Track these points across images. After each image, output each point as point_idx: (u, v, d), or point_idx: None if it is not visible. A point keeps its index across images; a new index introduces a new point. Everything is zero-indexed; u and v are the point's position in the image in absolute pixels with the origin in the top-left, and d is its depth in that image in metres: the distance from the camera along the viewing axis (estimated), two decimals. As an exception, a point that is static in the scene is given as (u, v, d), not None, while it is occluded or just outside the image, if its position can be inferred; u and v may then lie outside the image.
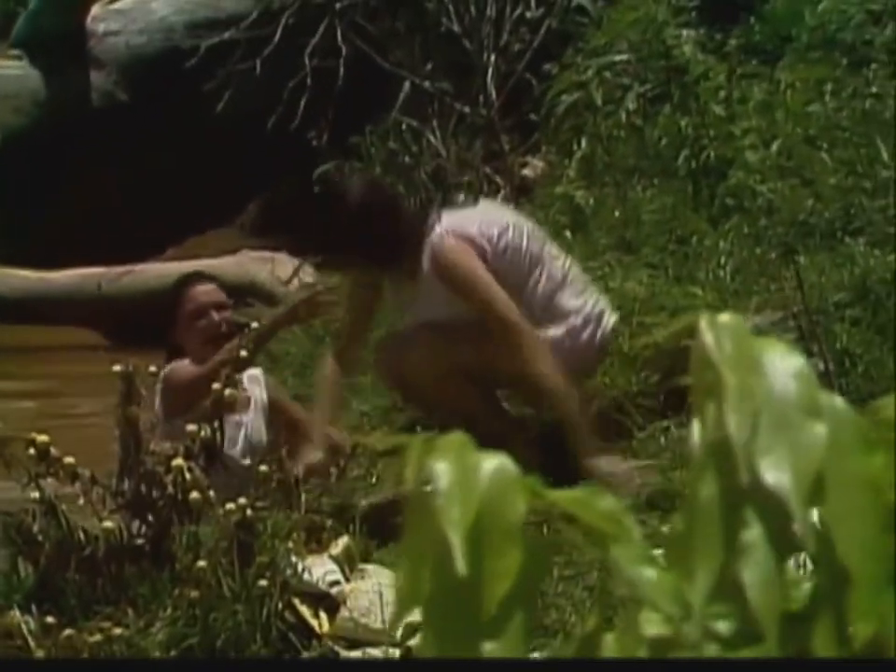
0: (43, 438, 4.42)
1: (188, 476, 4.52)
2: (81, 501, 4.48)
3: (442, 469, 1.01)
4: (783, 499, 0.99)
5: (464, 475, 1.01)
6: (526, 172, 7.94)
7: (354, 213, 4.97)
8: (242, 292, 7.82)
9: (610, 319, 5.03)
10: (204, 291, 5.26)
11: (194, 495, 4.44)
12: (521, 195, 7.68)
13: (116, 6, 9.55)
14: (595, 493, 1.04)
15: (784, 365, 1.02)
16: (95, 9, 9.46)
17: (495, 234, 4.94)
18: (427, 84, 8.52)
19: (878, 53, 6.78)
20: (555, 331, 4.90)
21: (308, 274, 7.55)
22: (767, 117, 6.33)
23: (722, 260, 5.54)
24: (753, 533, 1.00)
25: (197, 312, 5.18)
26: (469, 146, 8.20)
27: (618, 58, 7.10)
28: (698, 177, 5.96)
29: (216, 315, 5.18)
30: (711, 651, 0.98)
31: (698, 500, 1.00)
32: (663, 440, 4.90)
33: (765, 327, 4.75)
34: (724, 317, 1.02)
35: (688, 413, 5.03)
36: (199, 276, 5.55)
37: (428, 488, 1.05)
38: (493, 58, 8.28)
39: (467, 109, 8.32)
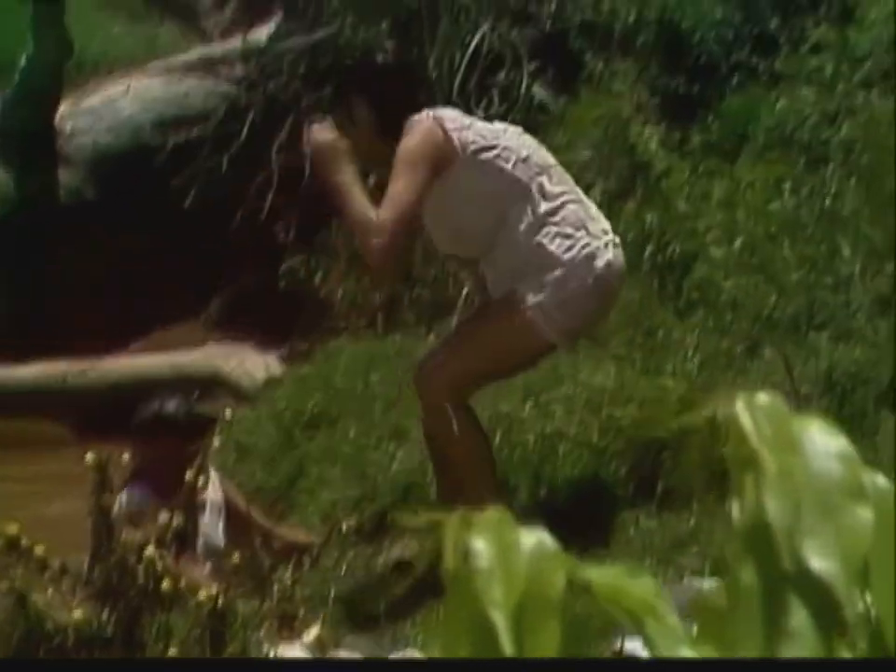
0: (12, 528, 4.34)
1: (159, 565, 4.44)
2: (51, 592, 4.41)
3: (482, 548, 0.96)
4: (829, 585, 0.96)
5: (504, 553, 0.97)
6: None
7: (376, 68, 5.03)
8: (207, 384, 7.77)
9: (603, 257, 4.74)
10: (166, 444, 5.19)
11: (166, 584, 4.36)
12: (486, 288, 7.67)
13: (84, 105, 9.54)
14: (633, 571, 1.00)
15: (825, 445, 0.99)
16: (64, 108, 9.46)
17: (483, 141, 4.77)
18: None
19: (835, 152, 6.82)
20: (537, 293, 4.66)
21: (276, 368, 7.49)
22: (729, 213, 6.35)
23: (689, 353, 5.52)
24: (798, 619, 0.97)
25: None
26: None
27: (581, 154, 7.11)
28: (664, 272, 5.95)
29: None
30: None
31: (739, 585, 0.96)
32: (632, 530, 4.86)
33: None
34: (762, 397, 0.99)
35: (657, 503, 5.03)
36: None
37: (468, 566, 1.01)
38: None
39: (431, 204, 8.29)
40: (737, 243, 6.13)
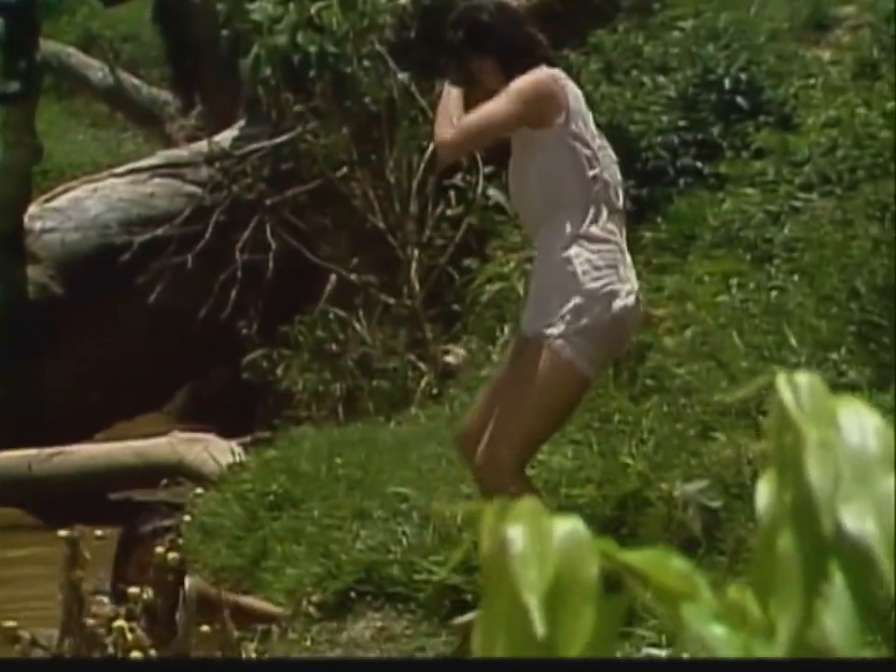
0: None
1: (129, 637, 4.37)
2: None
3: (517, 534, 0.97)
4: (868, 548, 0.95)
5: (538, 539, 0.97)
6: (449, 359, 7.92)
7: (491, 16, 4.84)
8: (172, 472, 7.70)
9: (623, 300, 4.58)
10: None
11: (136, 654, 4.29)
12: (444, 380, 7.67)
13: (52, 204, 9.53)
14: (665, 554, 0.99)
15: (862, 420, 0.99)
16: (33, 208, 9.45)
17: (581, 125, 4.67)
18: (353, 276, 8.53)
19: (779, 250, 6.88)
20: (558, 325, 4.51)
21: (239, 454, 7.42)
22: (681, 305, 6.37)
23: (644, 436, 5.50)
24: (836, 583, 0.96)
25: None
26: (393, 334, 8.19)
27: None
28: (619, 360, 5.94)
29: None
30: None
31: (777, 554, 0.95)
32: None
33: (694, 494, 4.72)
34: (802, 376, 1.00)
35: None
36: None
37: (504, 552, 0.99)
38: (416, 252, 8.32)
39: (391, 300, 8.32)
40: (689, 332, 6.15)
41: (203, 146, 9.36)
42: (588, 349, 4.51)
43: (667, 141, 8.11)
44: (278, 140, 8.99)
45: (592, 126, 4.77)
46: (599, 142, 4.77)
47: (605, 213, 4.66)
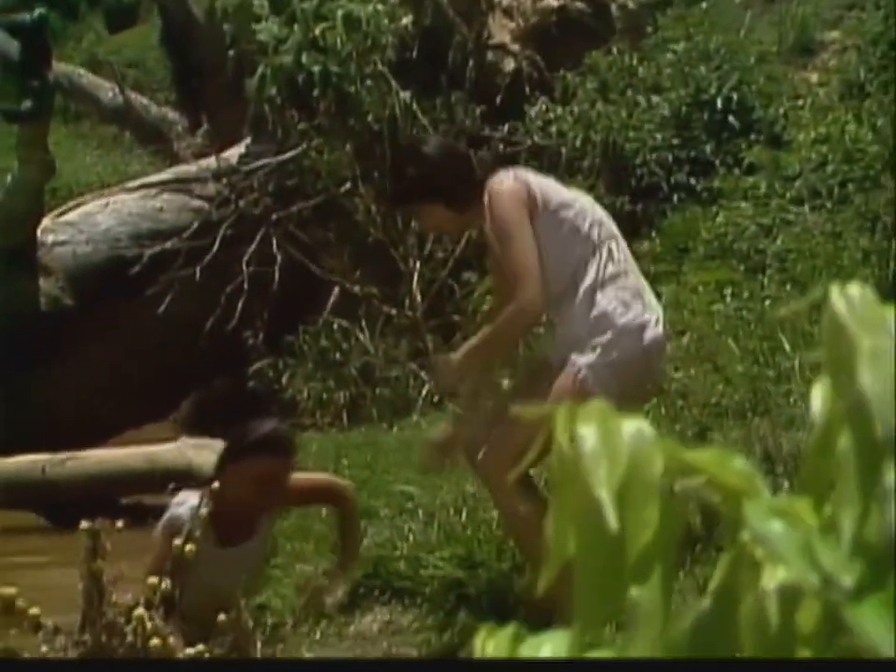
0: (9, 590, 4.28)
1: (148, 625, 4.38)
2: (45, 650, 4.34)
3: (588, 433, 0.99)
4: None
5: (607, 438, 1.00)
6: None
7: (436, 160, 4.71)
8: (181, 476, 7.71)
9: (653, 330, 4.54)
10: (276, 465, 5.02)
11: (155, 641, 4.31)
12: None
13: (64, 218, 9.55)
14: (727, 453, 1.02)
15: None
16: (45, 222, 9.47)
17: (554, 200, 4.59)
18: (356, 288, 8.57)
19: (772, 261, 6.93)
20: (588, 355, 4.45)
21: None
22: (678, 313, 6.42)
23: (643, 437, 5.54)
24: (890, 479, 0.99)
25: (259, 478, 4.95)
26: (395, 344, 8.22)
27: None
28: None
29: (273, 489, 4.98)
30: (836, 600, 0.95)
31: (834, 456, 0.98)
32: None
33: (692, 491, 4.74)
34: (854, 287, 1.02)
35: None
36: (276, 446, 5.16)
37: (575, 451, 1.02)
38: (418, 265, 8.36)
39: (394, 311, 8.36)
40: (685, 339, 6.19)
41: (210, 162, 9.40)
42: (612, 385, 4.41)
43: (661, 158, 8.17)
44: (283, 157, 9.03)
45: (555, 184, 4.79)
46: (570, 193, 4.80)
47: (614, 247, 4.69)
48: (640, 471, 0.92)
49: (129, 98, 11.24)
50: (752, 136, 8.11)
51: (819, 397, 0.96)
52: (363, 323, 8.30)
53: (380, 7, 8.65)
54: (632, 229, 8.03)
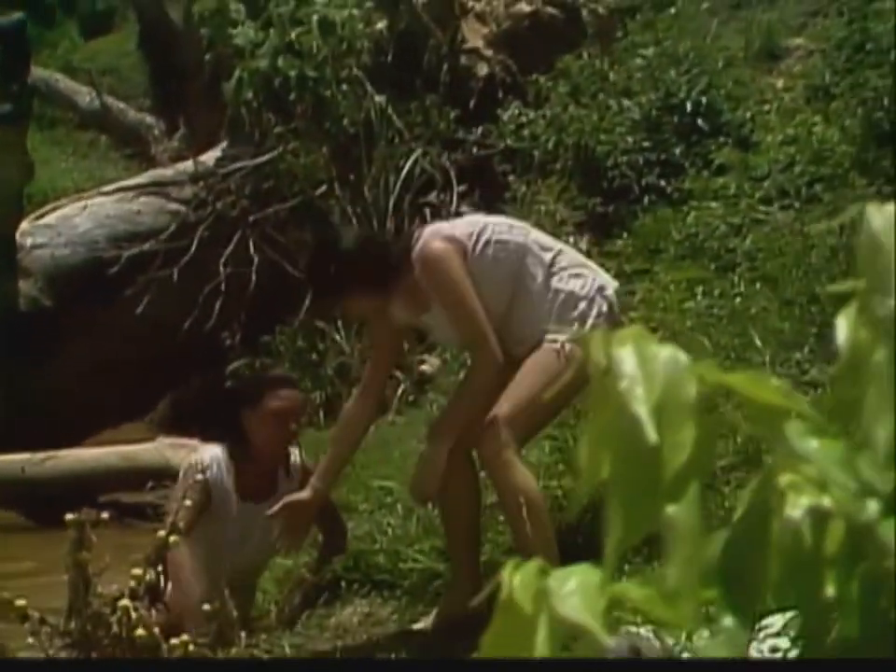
0: (-6, 584, 4.29)
1: (133, 615, 4.37)
2: (31, 640, 4.33)
3: (625, 355, 1.00)
4: None
5: (644, 360, 1.00)
6: (424, 368, 7.95)
7: (352, 254, 4.74)
8: (158, 475, 7.69)
9: (610, 286, 4.73)
10: (292, 396, 5.28)
11: (140, 632, 4.29)
12: (420, 388, 7.71)
13: (42, 221, 9.51)
14: (763, 374, 1.03)
15: None
16: (24, 225, 9.43)
17: (475, 231, 4.68)
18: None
19: (742, 259, 6.96)
20: (567, 330, 4.55)
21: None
22: (651, 309, 6.44)
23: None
24: None
25: (279, 411, 5.13)
26: (371, 345, 8.20)
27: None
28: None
29: (292, 424, 5.20)
30: (872, 511, 0.95)
31: (868, 369, 0.99)
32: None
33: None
34: (890, 206, 1.03)
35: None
36: (289, 381, 5.56)
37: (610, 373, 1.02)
38: (393, 266, 8.35)
39: (369, 311, 8.34)
40: (658, 335, 6.20)
41: (187, 165, 9.38)
42: (572, 331, 4.56)
43: (632, 160, 8.19)
44: (260, 160, 9.02)
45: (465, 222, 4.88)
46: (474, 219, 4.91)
47: (539, 236, 4.85)
48: (675, 393, 0.92)
49: (106, 102, 11.21)
50: (721, 139, 8.14)
51: (844, 325, 0.97)
52: (339, 324, 8.28)
53: (355, 11, 8.65)
54: (604, 229, 8.07)
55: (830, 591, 0.90)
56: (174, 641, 4.20)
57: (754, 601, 0.91)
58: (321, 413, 7.94)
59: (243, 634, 4.50)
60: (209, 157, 9.44)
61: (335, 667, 4.09)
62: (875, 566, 0.90)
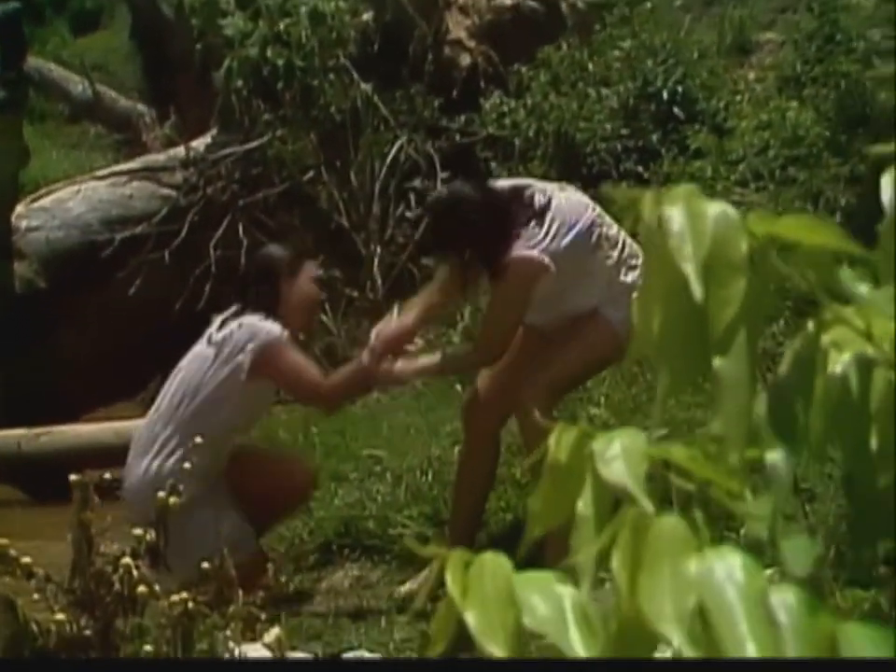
0: (2, 541, 4.28)
1: (135, 573, 4.37)
2: (36, 597, 4.33)
3: (675, 213, 1.00)
4: None
5: (693, 218, 1.00)
6: (409, 347, 7.92)
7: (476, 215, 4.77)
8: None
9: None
10: (315, 269, 5.57)
11: (141, 588, 4.30)
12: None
13: (37, 204, 9.48)
14: (817, 219, 1.03)
15: None
16: (19, 208, 9.39)
17: (561, 245, 4.73)
18: (320, 271, 8.53)
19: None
20: (619, 311, 4.67)
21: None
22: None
23: (602, 401, 5.58)
24: None
25: (308, 282, 5.37)
26: (357, 325, 8.21)
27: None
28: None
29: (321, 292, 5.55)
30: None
31: None
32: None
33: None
34: None
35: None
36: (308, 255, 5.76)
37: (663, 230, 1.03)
38: (378, 250, 8.37)
39: (355, 294, 8.36)
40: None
41: (179, 151, 9.36)
42: (628, 320, 4.67)
43: (611, 147, 8.21)
44: (249, 146, 9.00)
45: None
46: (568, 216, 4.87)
47: (605, 229, 4.94)
48: (724, 249, 0.93)
49: (98, 91, 11.17)
50: (696, 126, 8.17)
51: (889, 184, 0.97)
52: (326, 305, 8.28)
53: (342, 3, 8.64)
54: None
55: (873, 443, 0.91)
56: (173, 598, 4.20)
57: (799, 453, 0.92)
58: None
59: (241, 592, 4.48)
60: (200, 143, 9.41)
61: (335, 667, 4.09)
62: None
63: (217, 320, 5.31)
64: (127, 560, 4.39)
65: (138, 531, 4.52)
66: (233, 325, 5.22)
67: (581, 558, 0.90)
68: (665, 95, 8.30)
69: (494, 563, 0.93)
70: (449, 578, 0.91)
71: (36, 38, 18.87)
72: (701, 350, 0.93)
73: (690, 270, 0.91)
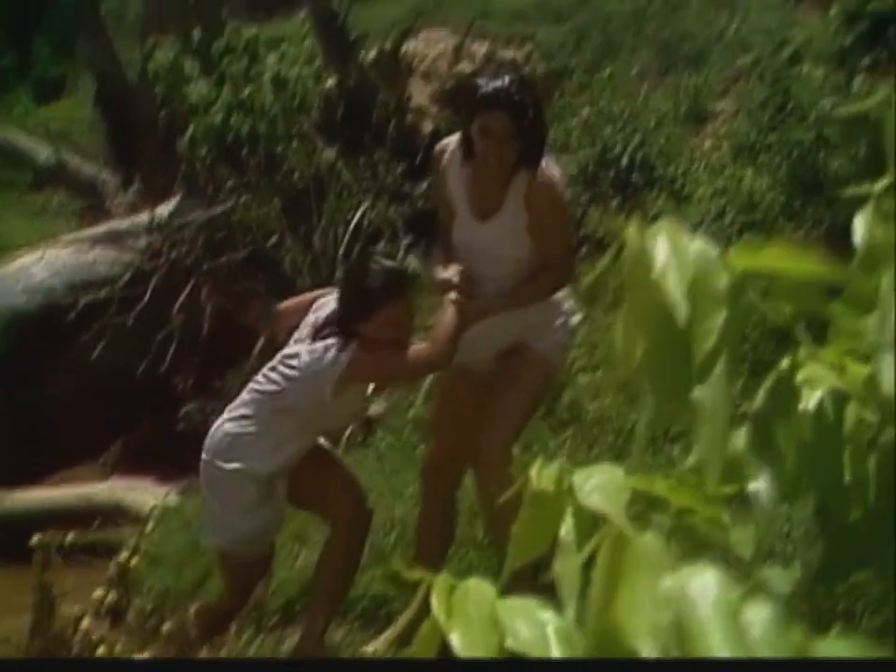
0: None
1: (95, 635, 4.31)
2: (-6, 658, 4.26)
3: (660, 245, 1.01)
4: None
5: (677, 249, 1.01)
6: (371, 413, 7.89)
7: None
8: (111, 514, 7.59)
9: (577, 318, 4.83)
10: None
11: (101, 650, 4.24)
12: (368, 429, 7.65)
13: (0, 270, 9.42)
14: (797, 248, 1.02)
15: None
16: (-19, 275, 9.34)
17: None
18: (282, 336, 8.51)
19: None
20: (546, 342, 4.63)
21: (175, 498, 7.35)
22: (590, 351, 6.46)
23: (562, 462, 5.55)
24: None
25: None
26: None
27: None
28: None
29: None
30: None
31: (883, 263, 1.00)
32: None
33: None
34: None
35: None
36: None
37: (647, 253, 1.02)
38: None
39: (318, 356, 8.31)
40: (599, 373, 6.23)
41: (142, 217, 9.34)
42: (563, 356, 4.84)
43: (571, 213, 8.23)
44: (213, 212, 9.00)
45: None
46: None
47: None
48: (706, 281, 0.93)
49: (62, 157, 11.16)
50: (655, 192, 8.22)
51: (861, 223, 0.97)
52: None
53: (306, 69, 8.68)
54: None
55: (846, 475, 0.90)
56: (137, 657, 4.15)
57: (782, 481, 0.91)
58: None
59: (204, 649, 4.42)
60: (164, 209, 9.40)
61: (337, 667, 4.02)
62: (888, 444, 0.90)
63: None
64: (87, 623, 4.33)
65: (98, 592, 4.47)
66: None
67: (564, 582, 0.89)
68: (624, 161, 8.36)
69: (478, 588, 0.91)
70: (434, 600, 0.89)
71: (1, 105, 18.93)
72: (682, 379, 0.93)
73: (675, 296, 0.91)
